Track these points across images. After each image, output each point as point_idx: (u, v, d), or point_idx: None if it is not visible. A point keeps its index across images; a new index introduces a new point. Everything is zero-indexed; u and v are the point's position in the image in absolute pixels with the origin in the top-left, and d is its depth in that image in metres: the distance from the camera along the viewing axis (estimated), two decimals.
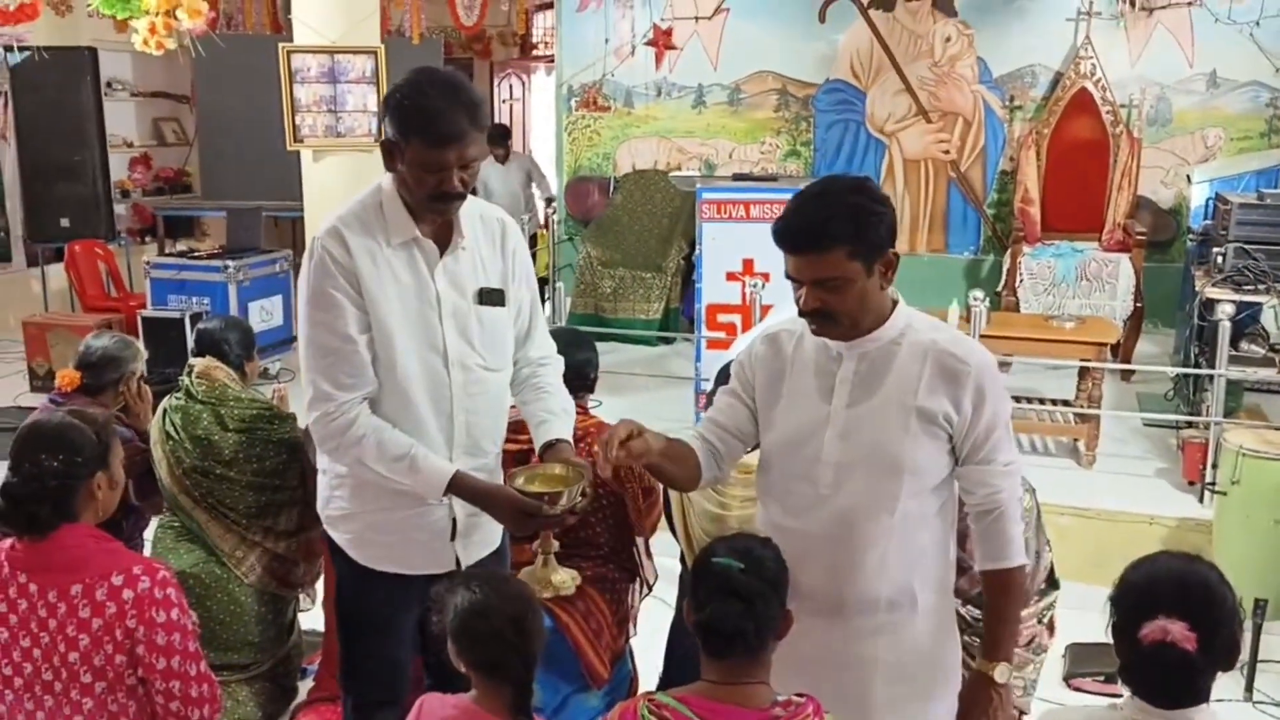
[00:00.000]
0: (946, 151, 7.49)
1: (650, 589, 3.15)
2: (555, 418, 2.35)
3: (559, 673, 2.87)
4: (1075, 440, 5.17)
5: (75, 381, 3.34)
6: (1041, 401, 5.45)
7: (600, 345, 3.29)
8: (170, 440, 3.20)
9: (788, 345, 2.10)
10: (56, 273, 8.02)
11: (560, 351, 2.99)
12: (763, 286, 4.80)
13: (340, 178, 5.15)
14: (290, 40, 5.20)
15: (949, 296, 6.19)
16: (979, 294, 4.99)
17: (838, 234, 1.89)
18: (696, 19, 7.71)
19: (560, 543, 2.84)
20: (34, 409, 6.09)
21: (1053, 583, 2.76)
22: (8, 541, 2.12)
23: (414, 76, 2.16)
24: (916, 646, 2.05)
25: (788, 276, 1.98)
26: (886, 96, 7.52)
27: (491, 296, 2.29)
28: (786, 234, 1.94)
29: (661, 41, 7.77)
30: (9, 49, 6.97)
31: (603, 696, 3.02)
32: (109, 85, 8.43)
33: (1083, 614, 3.41)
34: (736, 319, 5.15)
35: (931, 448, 1.98)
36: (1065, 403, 5.32)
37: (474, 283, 2.28)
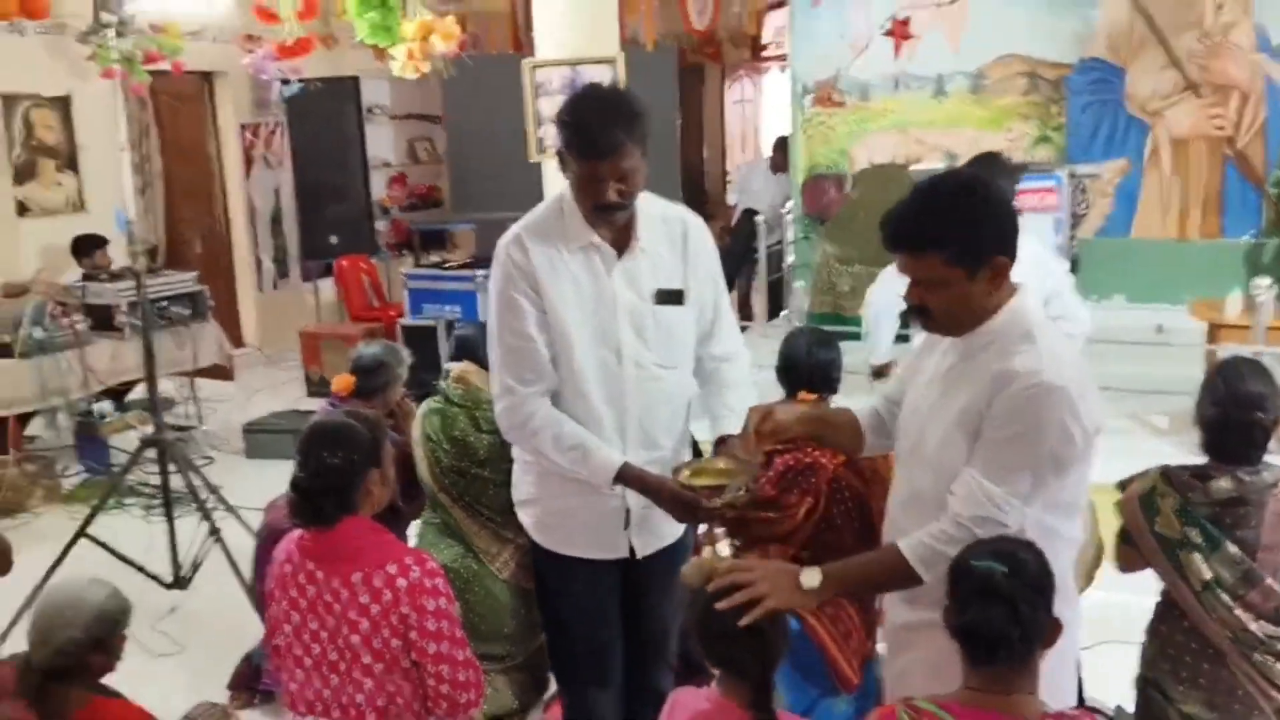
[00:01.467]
0: (1221, 128, 6.87)
1: None
2: (731, 413, 2.38)
3: (806, 675, 2.82)
4: None
5: (350, 386, 3.58)
6: None
7: (842, 345, 3.21)
8: (430, 441, 3.38)
9: None
10: (327, 286, 8.69)
11: (805, 352, 2.97)
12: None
13: None
14: (532, 56, 5.40)
15: (1226, 285, 5.68)
16: (1264, 281, 4.54)
17: (934, 238, 1.86)
18: (937, 4, 7.43)
19: (800, 546, 2.81)
20: (312, 412, 6.61)
21: None
22: (297, 533, 2.29)
23: (577, 92, 2.31)
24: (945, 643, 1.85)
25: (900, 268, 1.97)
26: (1150, 72, 6.98)
27: (669, 297, 2.37)
28: (886, 230, 1.92)
29: (899, 31, 7.54)
30: (285, 82, 7.63)
31: (852, 702, 2.95)
32: (369, 110, 9.05)
33: None
34: None
35: (969, 449, 1.92)
36: None
37: (652, 283, 2.36)
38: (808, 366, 2.96)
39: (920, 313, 1.96)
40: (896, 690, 2.13)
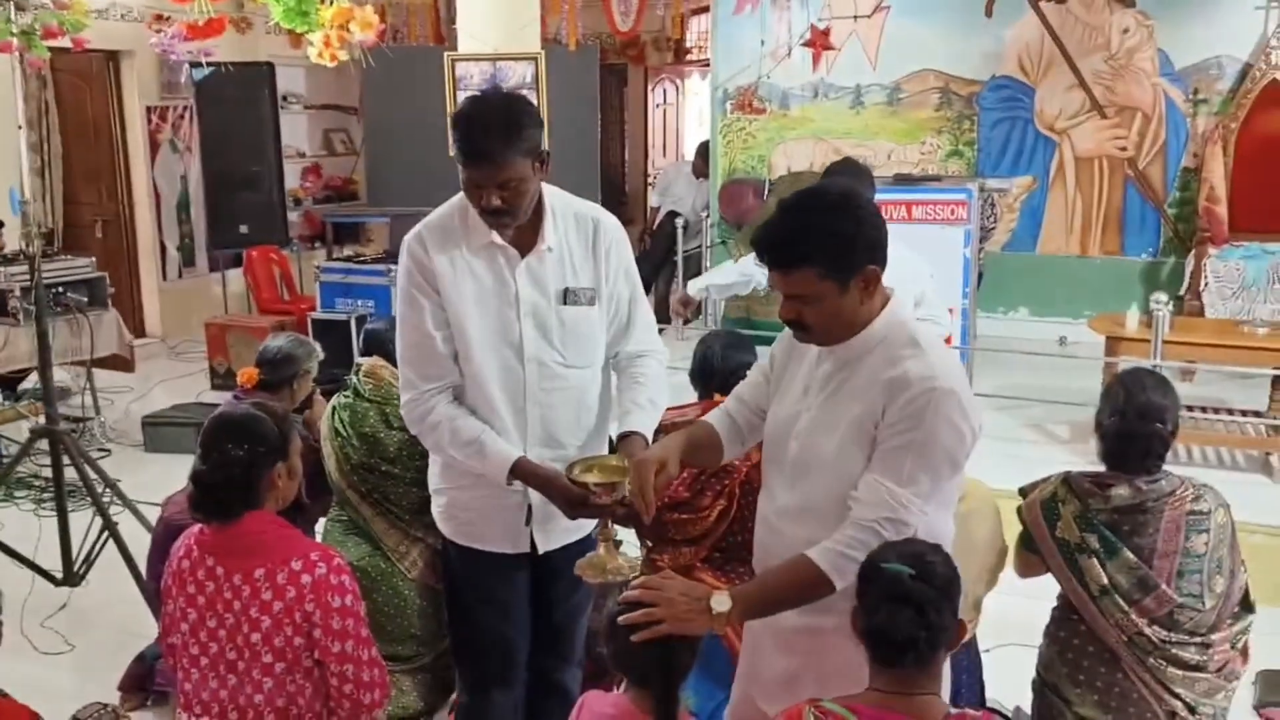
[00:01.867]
0: (1123, 148, 7.11)
1: None
2: (639, 409, 2.40)
3: (714, 677, 2.82)
4: (1267, 454, 4.82)
5: (254, 378, 3.49)
6: (1230, 412, 5.10)
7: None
8: (338, 437, 3.31)
9: None
10: (235, 277, 8.46)
11: (719, 355, 2.97)
12: None
13: None
14: (454, 50, 5.34)
15: (1125, 300, 5.90)
16: (1162, 297, 4.71)
17: (806, 255, 1.88)
18: (855, 18, 7.56)
19: (711, 548, 2.82)
20: (215, 405, 6.44)
21: (1247, 606, 2.59)
22: (196, 527, 2.22)
23: (470, 99, 2.31)
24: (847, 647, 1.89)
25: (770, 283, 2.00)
26: (1058, 92, 7.19)
27: (576, 296, 2.37)
28: (759, 247, 1.94)
29: (819, 42, 7.64)
30: (196, 65, 7.41)
31: None
32: (284, 99, 8.84)
33: (1274, 639, 3.18)
34: None
35: (865, 455, 1.94)
36: (1256, 414, 4.96)
37: (558, 282, 2.37)
38: (722, 370, 2.97)
39: (797, 326, 1.98)
40: (774, 693, 2.12)
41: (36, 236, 3.93)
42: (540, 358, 2.36)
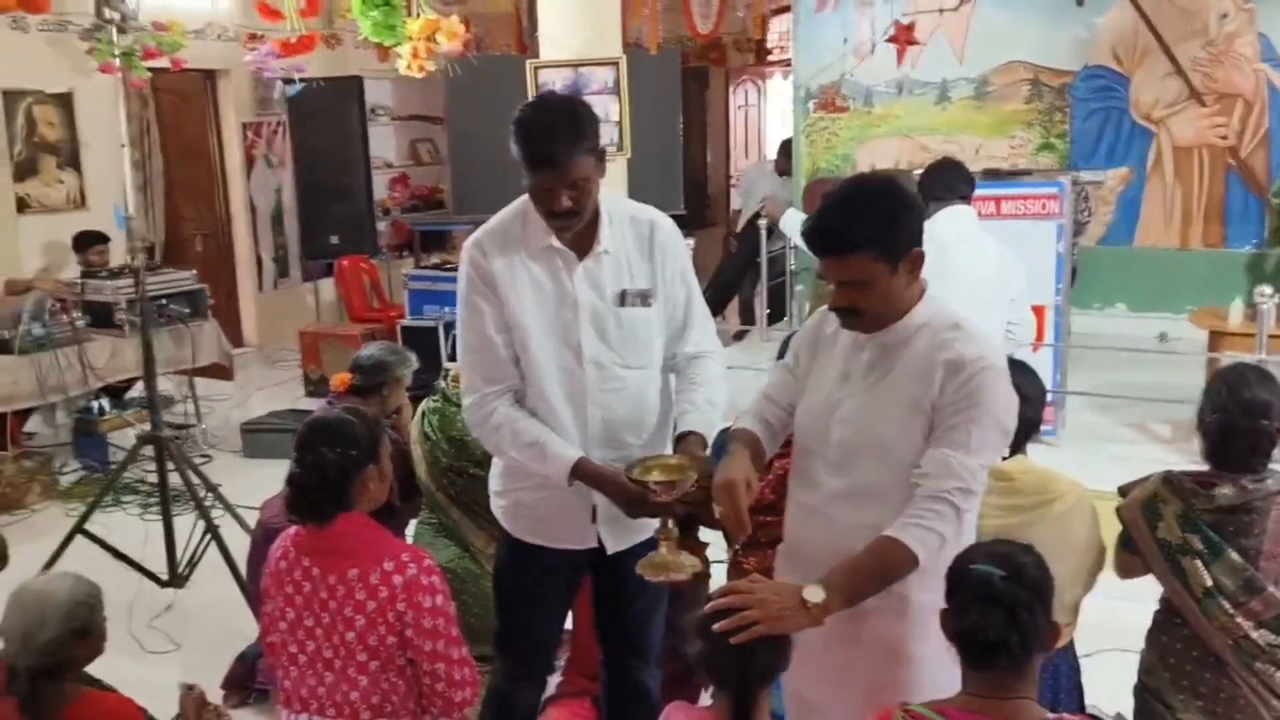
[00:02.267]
0: (1224, 137, 6.87)
1: None
2: (695, 410, 2.41)
3: None
4: None
5: (347, 383, 3.57)
6: None
7: None
8: (428, 440, 3.36)
9: (830, 324, 2.17)
10: (327, 286, 8.68)
11: None
12: None
13: None
14: (536, 58, 5.39)
15: (1228, 294, 5.67)
16: (1267, 289, 4.53)
17: (862, 239, 1.95)
18: (941, 11, 7.43)
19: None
20: (310, 412, 6.61)
21: None
22: (293, 529, 2.28)
23: (525, 104, 2.30)
24: (912, 623, 2.02)
25: (818, 275, 2.07)
26: (1154, 80, 6.98)
27: (634, 298, 2.39)
28: (814, 237, 2.01)
29: (903, 37, 7.54)
30: (288, 81, 7.63)
31: None
32: (372, 111, 9.04)
33: None
34: None
35: (921, 435, 2.00)
36: None
37: (615, 285, 2.38)
38: None
39: (849, 314, 2.04)
40: (820, 681, 2.16)
41: (141, 251, 4.09)
42: (599, 359, 2.38)
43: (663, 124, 6.84)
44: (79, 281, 6.03)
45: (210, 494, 4.37)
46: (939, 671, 1.96)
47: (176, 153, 8.36)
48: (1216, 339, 5.03)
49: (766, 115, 11.17)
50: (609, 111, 5.11)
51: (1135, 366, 5.88)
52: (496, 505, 2.60)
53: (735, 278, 8.37)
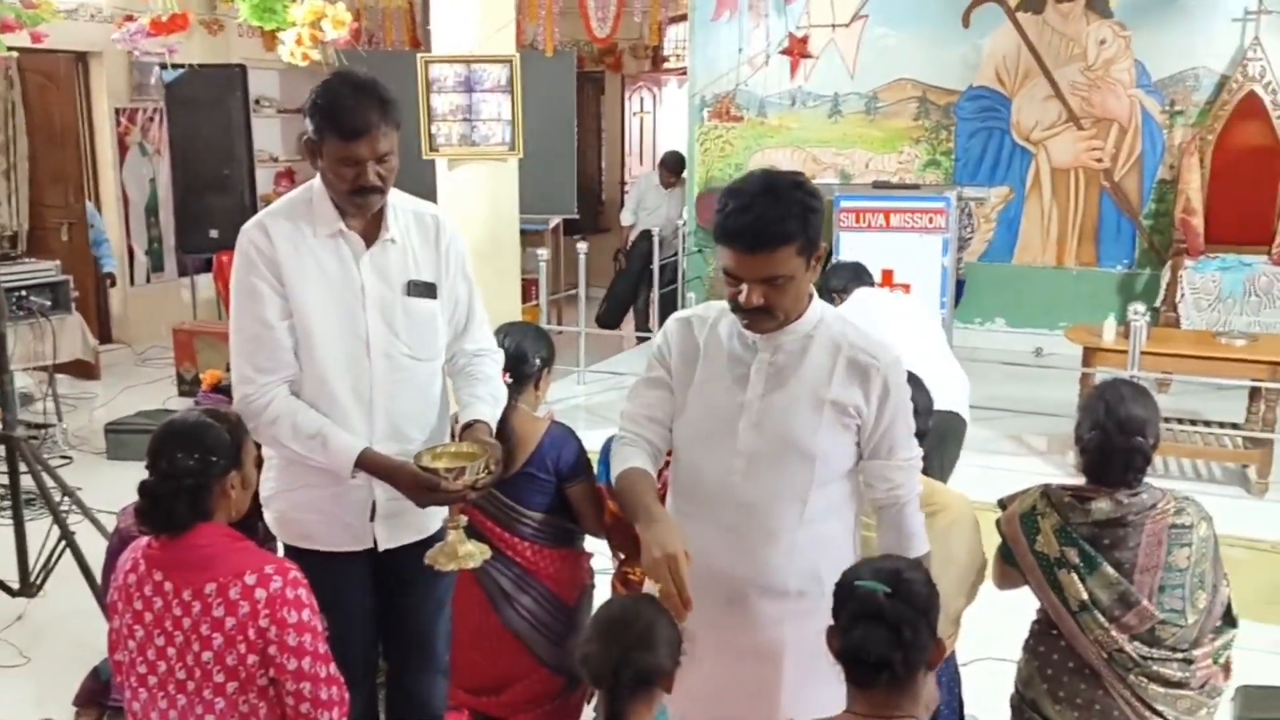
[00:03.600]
0: (1099, 160, 7.12)
1: None
2: (480, 401, 2.42)
3: None
4: (1245, 466, 4.80)
5: (216, 379, 3.41)
6: (1207, 424, 5.08)
7: None
8: None
9: (700, 330, 2.14)
10: (205, 282, 8.33)
11: None
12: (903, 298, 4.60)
13: (473, 185, 5.17)
14: (427, 53, 5.26)
15: (1101, 311, 5.88)
16: (1140, 307, 4.69)
17: (790, 232, 1.94)
18: (834, 26, 7.54)
19: None
20: (175, 412, 6.32)
21: (1230, 620, 2.54)
22: (143, 540, 2.12)
23: (329, 78, 2.28)
24: (824, 631, 1.94)
25: (726, 273, 2.00)
26: (1034, 103, 7.19)
27: (420, 289, 2.37)
28: (741, 233, 1.95)
29: (797, 50, 7.62)
30: (164, 66, 7.30)
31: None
32: (256, 102, 8.73)
33: (1255, 655, 3.14)
34: None
35: (842, 438, 2.04)
36: (1234, 426, 4.94)
37: (403, 275, 2.36)
38: None
39: (761, 313, 1.99)
40: (704, 705, 2.15)
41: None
42: (387, 350, 2.35)
43: (557, 126, 6.75)
44: None
45: (67, 498, 4.12)
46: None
47: (43, 138, 7.92)
48: (1090, 354, 5.20)
49: (662, 122, 11.18)
50: (501, 110, 5.01)
51: (1014, 380, 6.05)
52: (268, 514, 2.50)
53: (629, 291, 8.35)
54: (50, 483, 4.07)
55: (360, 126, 2.19)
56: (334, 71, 2.34)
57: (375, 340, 2.33)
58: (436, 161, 5.20)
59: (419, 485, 2.22)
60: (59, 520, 3.96)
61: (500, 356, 2.59)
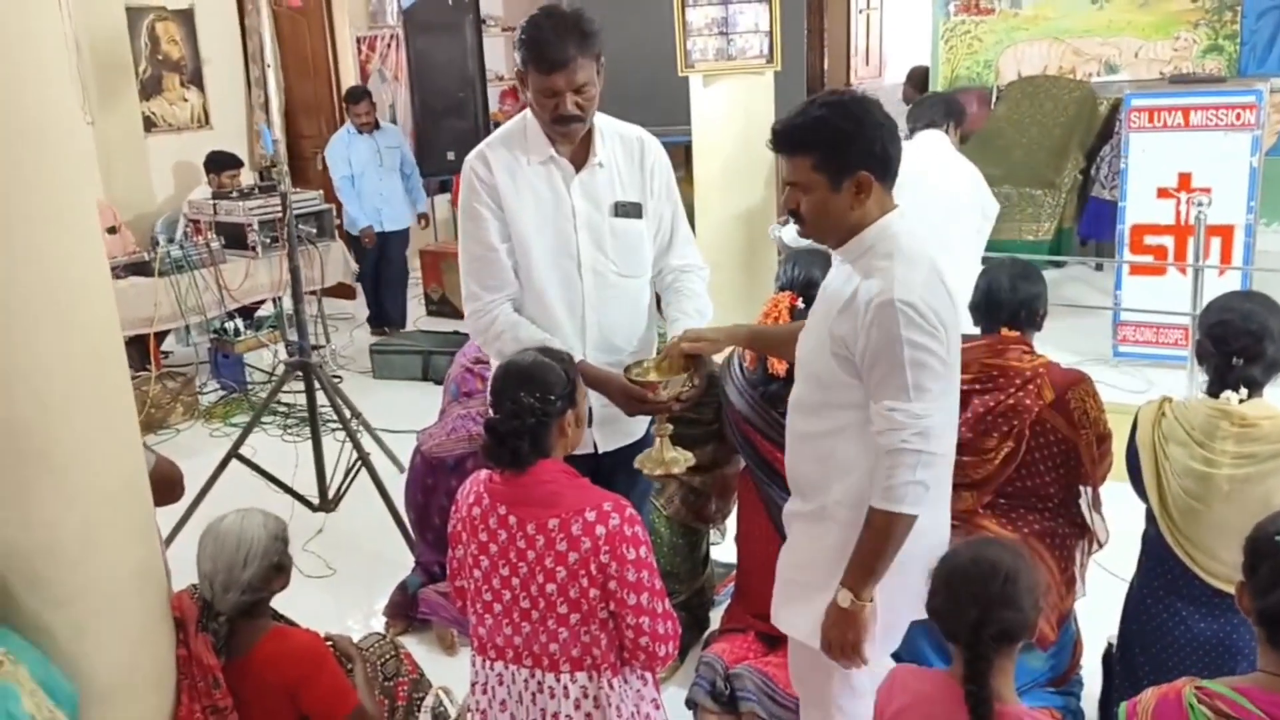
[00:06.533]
0: None
1: (1101, 546, 2.83)
2: (686, 316, 2.53)
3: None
4: None
5: None
6: None
7: None
8: None
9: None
10: (443, 204, 8.59)
11: (1008, 285, 2.74)
12: (1208, 204, 4.18)
13: (730, 102, 5.02)
14: None
15: None
16: None
17: (802, 143, 2.01)
18: None
19: (996, 493, 2.64)
20: (436, 332, 6.56)
21: None
22: (484, 474, 2.18)
23: (535, 13, 2.36)
24: (824, 546, 2.12)
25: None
26: None
27: (627, 209, 2.50)
28: (772, 131, 2.07)
29: None
30: None
31: (1047, 659, 2.80)
32: (483, 22, 8.81)
33: None
34: (1168, 240, 4.53)
35: (839, 368, 2.04)
36: None
37: (610, 196, 2.49)
38: (1011, 302, 2.73)
39: (793, 215, 2.09)
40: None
41: (285, 175, 4.01)
42: (597, 268, 2.49)
43: (786, 34, 6.46)
44: (212, 202, 6.04)
45: (355, 419, 4.35)
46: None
47: (294, 70, 8.29)
48: None
49: (892, 19, 10.60)
50: (759, 21, 4.81)
51: None
52: None
53: None
54: (343, 407, 4.31)
55: (558, 59, 2.30)
56: (542, 6, 2.43)
57: (586, 259, 2.48)
58: (691, 79, 5.07)
59: (628, 396, 2.37)
60: (355, 442, 4.19)
61: (706, 272, 2.66)
